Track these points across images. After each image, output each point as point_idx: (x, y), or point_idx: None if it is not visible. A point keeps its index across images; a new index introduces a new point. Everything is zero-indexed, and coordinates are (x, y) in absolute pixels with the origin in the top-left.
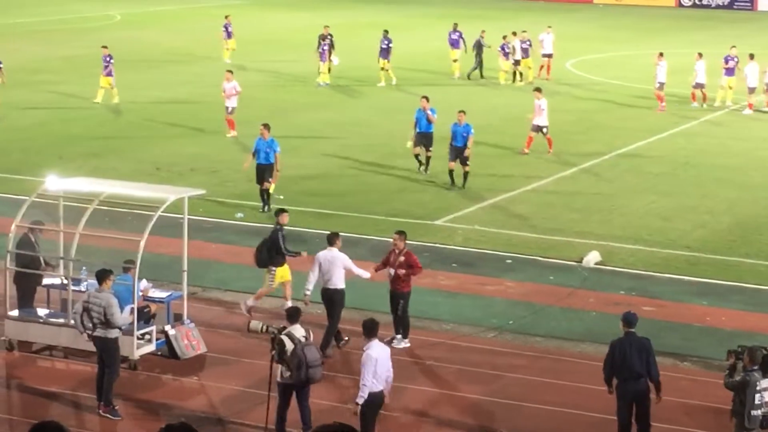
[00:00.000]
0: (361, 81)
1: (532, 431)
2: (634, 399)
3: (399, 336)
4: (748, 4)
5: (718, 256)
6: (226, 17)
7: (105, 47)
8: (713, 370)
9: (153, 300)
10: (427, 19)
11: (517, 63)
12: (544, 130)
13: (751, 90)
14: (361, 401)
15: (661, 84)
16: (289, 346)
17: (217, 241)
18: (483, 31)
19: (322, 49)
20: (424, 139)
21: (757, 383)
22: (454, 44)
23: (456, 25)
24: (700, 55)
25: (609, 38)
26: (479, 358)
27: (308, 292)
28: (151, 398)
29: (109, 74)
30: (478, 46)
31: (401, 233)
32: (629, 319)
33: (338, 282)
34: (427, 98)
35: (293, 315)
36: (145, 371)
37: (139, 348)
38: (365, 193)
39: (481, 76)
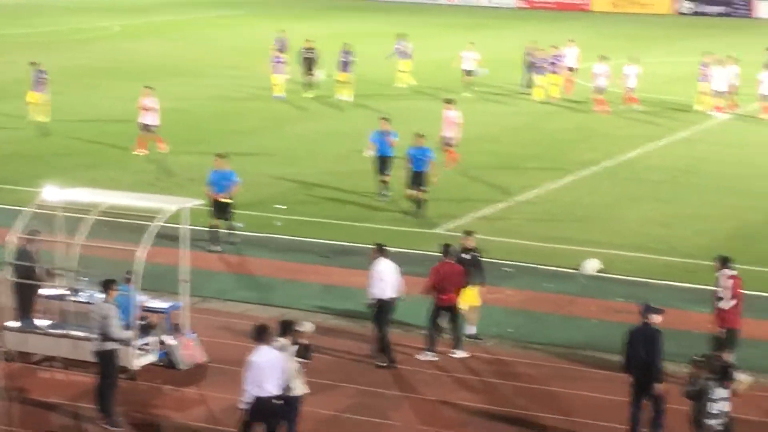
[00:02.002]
0: (358, 91)
1: None
2: (642, 389)
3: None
4: (746, 12)
5: None
6: (282, 32)
7: (34, 63)
8: None
9: (153, 310)
10: (430, 29)
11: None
12: (451, 142)
13: (718, 93)
14: (242, 405)
15: (630, 89)
16: None
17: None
18: (531, 43)
19: (277, 61)
20: (383, 163)
21: (713, 392)
22: (401, 55)
23: (403, 35)
24: (633, 59)
25: (605, 47)
26: (480, 367)
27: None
28: (151, 409)
29: (40, 90)
30: (526, 57)
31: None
32: (643, 309)
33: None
34: (388, 120)
35: (281, 328)
36: (146, 382)
37: (139, 358)
38: (364, 202)
39: (524, 87)
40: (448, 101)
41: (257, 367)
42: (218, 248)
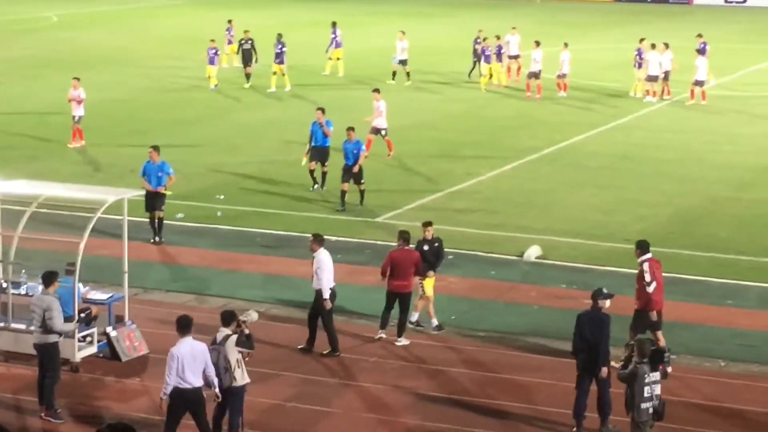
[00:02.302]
0: (301, 80)
1: (476, 425)
2: (588, 372)
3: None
4: None
5: (657, 248)
6: (229, 22)
7: None
8: None
9: (94, 302)
10: (371, 17)
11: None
12: (383, 132)
13: (651, 78)
14: (163, 396)
15: (563, 75)
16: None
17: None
18: (480, 31)
19: (213, 53)
20: (319, 153)
21: (646, 376)
22: (335, 44)
23: (334, 23)
24: (537, 43)
25: (546, 34)
26: (423, 354)
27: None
28: (93, 400)
29: None
30: (475, 45)
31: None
32: (592, 294)
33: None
34: (323, 110)
35: (223, 318)
36: (87, 373)
37: (80, 350)
38: (304, 192)
39: (469, 75)
40: (376, 90)
41: (179, 359)
42: (156, 239)
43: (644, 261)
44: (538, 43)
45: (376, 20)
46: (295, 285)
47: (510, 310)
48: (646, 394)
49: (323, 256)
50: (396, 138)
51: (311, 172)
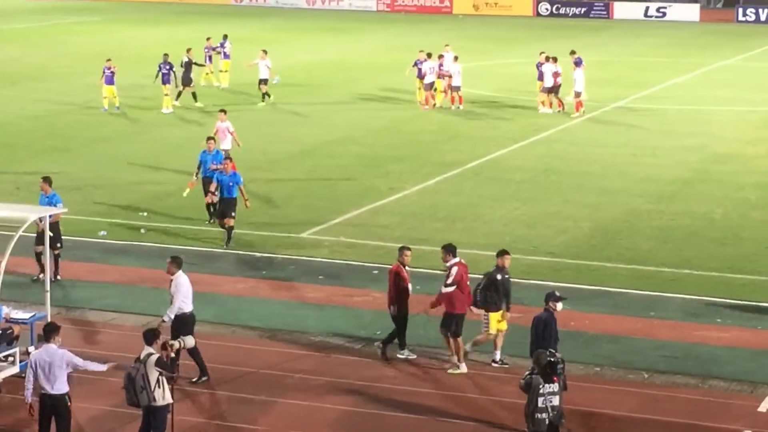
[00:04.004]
0: (229, 98)
1: None
2: None
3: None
4: (604, 12)
5: (580, 260)
6: (208, 39)
7: None
8: (576, 373)
9: (16, 321)
10: (288, 33)
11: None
12: (229, 153)
13: (547, 90)
14: (26, 402)
15: (431, 84)
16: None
17: (80, 260)
18: (421, 51)
19: (110, 73)
20: (209, 185)
21: (540, 387)
22: (224, 55)
23: (225, 36)
24: (429, 55)
25: (468, 48)
26: (348, 370)
27: (167, 319)
28: (16, 421)
29: None
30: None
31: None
32: (545, 297)
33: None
34: (213, 139)
35: (145, 336)
36: (10, 394)
37: (2, 371)
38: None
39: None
40: (223, 111)
41: (37, 365)
42: (40, 276)
43: (453, 265)
44: (429, 55)
45: (293, 37)
46: (219, 301)
47: (434, 324)
48: (540, 405)
49: (182, 279)
50: (319, 153)
51: (208, 206)
